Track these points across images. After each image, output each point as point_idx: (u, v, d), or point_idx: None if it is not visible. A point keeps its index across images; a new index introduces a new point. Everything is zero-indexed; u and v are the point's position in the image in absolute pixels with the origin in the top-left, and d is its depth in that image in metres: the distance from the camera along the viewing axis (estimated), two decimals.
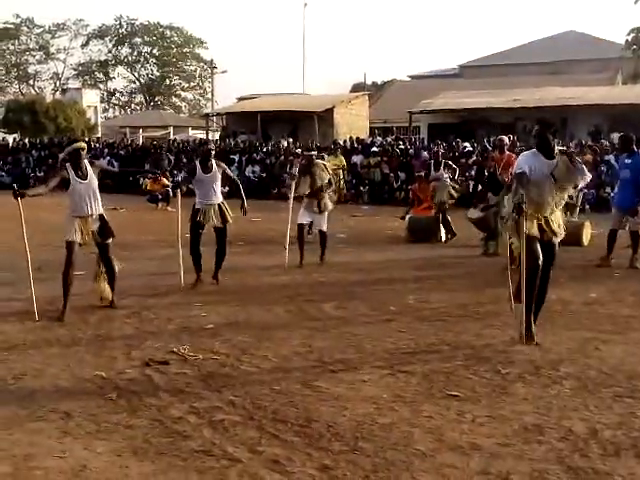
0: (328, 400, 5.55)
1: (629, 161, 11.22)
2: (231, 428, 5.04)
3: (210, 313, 8.45)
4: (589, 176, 6.94)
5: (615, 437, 4.81)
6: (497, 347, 6.95)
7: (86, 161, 8.35)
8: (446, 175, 15.09)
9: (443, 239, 14.72)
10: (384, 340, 7.21)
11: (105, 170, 9.30)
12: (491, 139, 26.36)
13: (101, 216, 8.40)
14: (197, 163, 10.08)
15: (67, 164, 8.30)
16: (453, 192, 15.08)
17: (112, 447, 4.75)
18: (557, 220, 7.03)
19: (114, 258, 8.63)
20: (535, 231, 6.85)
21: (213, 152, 10.08)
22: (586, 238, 13.63)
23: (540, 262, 6.81)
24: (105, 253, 8.51)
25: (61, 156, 9.54)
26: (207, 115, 45.12)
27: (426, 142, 29.50)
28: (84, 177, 8.24)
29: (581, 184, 7.08)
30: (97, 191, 8.36)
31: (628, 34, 47.15)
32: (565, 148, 7.22)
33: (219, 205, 9.94)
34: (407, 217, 15.21)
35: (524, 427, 4.99)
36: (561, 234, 7.06)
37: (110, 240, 8.48)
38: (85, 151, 8.43)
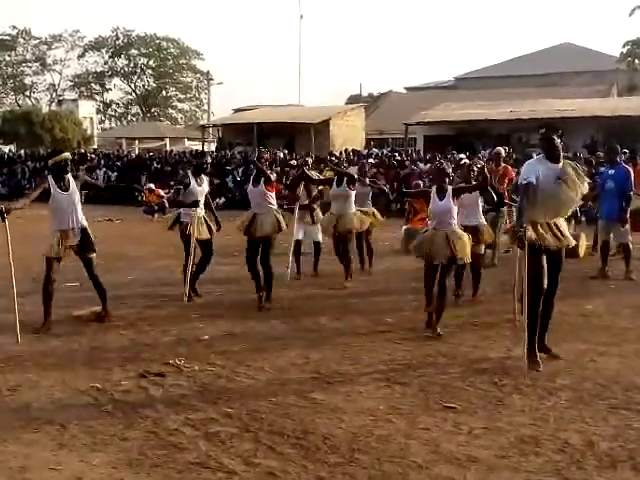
0: (324, 412, 5.55)
1: (612, 172, 11.33)
2: (227, 440, 5.03)
3: (206, 325, 8.44)
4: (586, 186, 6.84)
5: (611, 449, 4.82)
6: (493, 358, 6.95)
7: (69, 174, 8.26)
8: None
9: None
10: (380, 352, 7.21)
11: (90, 184, 9.17)
12: (487, 151, 26.43)
13: (83, 229, 8.30)
14: (190, 175, 10.00)
15: (49, 175, 8.24)
16: None
17: (108, 459, 4.74)
18: (564, 227, 6.87)
19: None
20: (550, 240, 6.62)
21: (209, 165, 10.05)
22: (582, 250, 13.63)
23: (544, 287, 6.62)
24: (90, 267, 8.39)
25: (47, 167, 9.48)
26: (203, 126, 45.15)
27: (422, 154, 29.52)
28: (66, 189, 8.15)
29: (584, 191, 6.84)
30: (79, 204, 8.28)
31: (623, 46, 47.46)
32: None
33: (204, 217, 9.89)
34: (403, 228, 15.20)
35: (520, 439, 4.99)
36: (571, 241, 6.84)
37: (93, 255, 8.39)
38: (69, 163, 8.33)
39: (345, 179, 10.86)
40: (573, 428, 5.19)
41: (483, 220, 9.56)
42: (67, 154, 8.44)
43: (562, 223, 6.86)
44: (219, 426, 5.28)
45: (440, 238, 7.83)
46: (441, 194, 7.97)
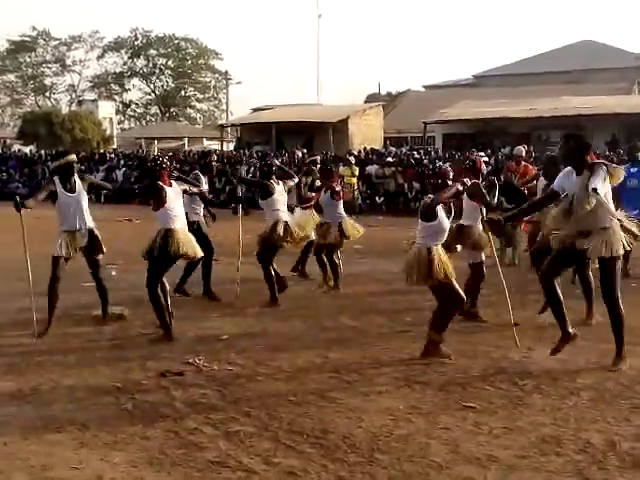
0: (344, 411, 5.54)
1: (635, 170, 11.24)
2: (246, 439, 5.04)
3: (226, 324, 8.46)
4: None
5: (633, 449, 4.77)
6: (514, 358, 6.92)
7: (76, 175, 8.24)
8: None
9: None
10: (400, 351, 7.20)
11: (97, 185, 9.17)
12: (507, 149, 26.34)
13: (90, 231, 8.27)
14: (200, 174, 10.10)
15: (54, 177, 8.23)
16: None
17: (128, 458, 4.76)
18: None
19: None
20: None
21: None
22: None
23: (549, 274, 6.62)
24: (95, 268, 8.40)
25: (51, 168, 9.49)
26: (222, 126, 45.28)
27: (440, 152, 29.44)
28: (72, 190, 8.13)
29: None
30: (86, 205, 8.24)
31: None
32: (601, 160, 6.79)
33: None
34: None
35: (541, 439, 4.96)
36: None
37: (100, 256, 8.39)
38: (76, 164, 8.34)
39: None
40: (594, 428, 5.15)
41: (477, 223, 8.46)
42: (73, 156, 8.40)
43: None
44: (239, 425, 5.29)
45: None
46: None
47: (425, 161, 26.79)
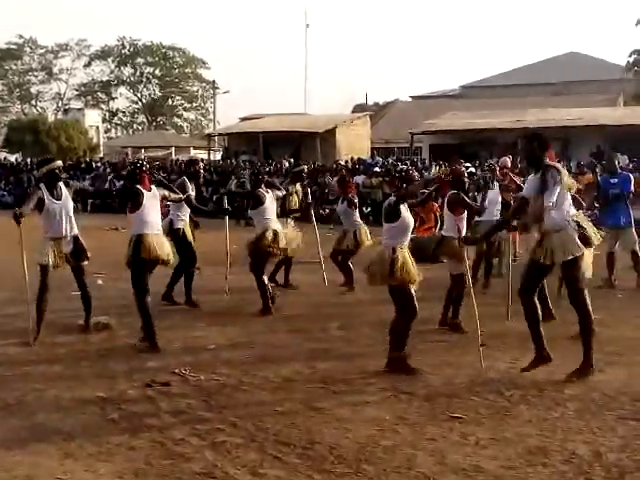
0: (331, 422, 5.53)
1: (615, 180, 11.58)
2: (233, 450, 5.02)
3: (212, 334, 8.44)
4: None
5: (619, 460, 4.79)
6: (500, 368, 6.93)
7: (61, 182, 8.22)
8: None
9: None
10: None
11: (82, 190, 9.15)
12: (494, 160, 26.40)
13: (75, 237, 8.24)
14: (187, 182, 10.11)
15: (41, 184, 8.19)
16: None
17: (114, 469, 4.73)
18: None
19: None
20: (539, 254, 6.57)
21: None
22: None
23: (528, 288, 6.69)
24: (79, 275, 8.36)
25: (37, 175, 9.44)
26: (209, 135, 45.22)
27: (427, 163, 29.52)
28: (59, 198, 8.10)
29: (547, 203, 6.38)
30: (71, 212, 8.22)
31: (630, 55, 47.48)
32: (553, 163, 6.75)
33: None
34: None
35: (528, 450, 4.97)
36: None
37: (85, 262, 8.36)
38: (61, 170, 8.32)
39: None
40: (581, 439, 5.17)
41: (451, 233, 8.37)
42: (59, 162, 8.39)
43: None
44: (225, 436, 5.27)
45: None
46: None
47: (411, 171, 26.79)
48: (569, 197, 6.55)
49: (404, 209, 7.03)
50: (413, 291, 6.97)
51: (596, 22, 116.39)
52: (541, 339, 6.67)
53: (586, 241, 6.50)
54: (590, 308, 6.57)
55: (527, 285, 6.74)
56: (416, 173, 8.47)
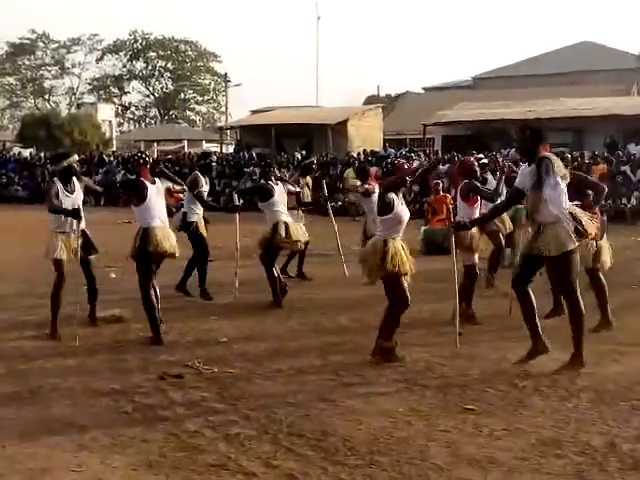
0: (344, 414, 5.53)
1: None
2: (246, 442, 5.03)
3: (224, 326, 8.45)
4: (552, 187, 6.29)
5: (634, 451, 4.77)
6: (513, 359, 6.90)
7: (75, 176, 8.21)
8: None
9: None
10: (399, 353, 7.17)
11: (89, 188, 9.08)
12: (507, 150, 26.32)
13: (83, 232, 8.23)
14: (200, 175, 10.11)
15: (55, 178, 8.17)
16: None
17: (128, 461, 4.75)
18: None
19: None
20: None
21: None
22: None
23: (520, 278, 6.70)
24: (88, 269, 8.36)
25: (51, 169, 9.40)
26: (221, 128, 45.28)
27: (440, 154, 29.43)
28: (72, 192, 8.11)
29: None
30: (81, 206, 8.18)
31: None
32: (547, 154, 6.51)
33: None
34: (422, 229, 15.16)
35: (541, 441, 4.95)
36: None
37: (93, 256, 8.37)
38: (77, 165, 8.32)
39: None
40: (595, 430, 5.15)
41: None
42: (75, 157, 8.39)
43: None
44: (238, 428, 5.28)
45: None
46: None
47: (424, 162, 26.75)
48: (564, 188, 6.44)
49: (397, 202, 7.00)
50: (405, 283, 6.98)
51: (609, 11, 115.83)
52: (537, 330, 6.67)
53: (581, 234, 6.47)
54: (582, 303, 6.52)
55: (520, 276, 6.73)
56: (407, 164, 8.51)
